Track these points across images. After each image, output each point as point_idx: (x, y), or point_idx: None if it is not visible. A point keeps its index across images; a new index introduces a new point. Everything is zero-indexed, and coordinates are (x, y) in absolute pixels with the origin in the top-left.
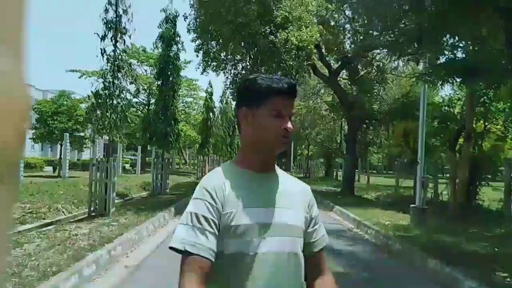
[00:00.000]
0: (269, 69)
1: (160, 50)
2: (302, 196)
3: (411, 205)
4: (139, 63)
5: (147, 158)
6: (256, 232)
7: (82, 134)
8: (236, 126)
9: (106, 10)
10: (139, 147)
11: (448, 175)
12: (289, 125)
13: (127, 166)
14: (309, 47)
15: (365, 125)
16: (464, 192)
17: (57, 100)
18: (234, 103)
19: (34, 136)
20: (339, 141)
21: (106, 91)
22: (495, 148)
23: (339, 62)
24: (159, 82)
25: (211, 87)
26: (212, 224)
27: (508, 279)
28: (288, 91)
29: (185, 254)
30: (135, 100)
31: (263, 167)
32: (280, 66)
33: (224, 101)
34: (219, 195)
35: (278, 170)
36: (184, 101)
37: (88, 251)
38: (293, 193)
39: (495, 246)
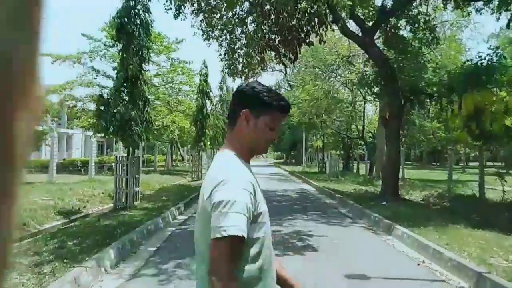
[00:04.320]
0: (283, 20)
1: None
2: None
3: None
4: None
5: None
6: (268, 216)
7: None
8: (229, 117)
9: None
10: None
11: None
12: (275, 136)
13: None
14: None
15: (409, 103)
16: None
17: None
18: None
19: None
20: (361, 128)
21: None
22: None
23: (374, 19)
24: (119, 46)
25: (205, 67)
26: (250, 213)
27: None
28: (287, 111)
29: (235, 239)
30: None
31: (249, 159)
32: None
33: (224, 88)
34: (255, 188)
35: None
36: (180, 89)
37: None
38: None
39: None
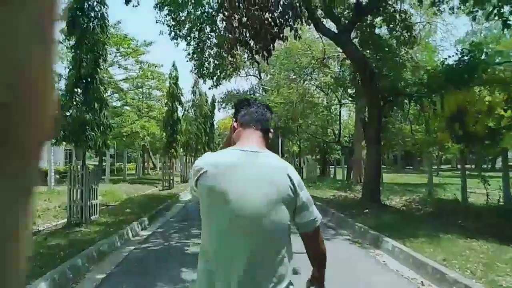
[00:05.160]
0: (254, 12)
1: None
2: None
3: None
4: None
5: (109, 163)
6: None
7: None
8: (265, 126)
9: None
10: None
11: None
12: None
13: None
14: None
15: (387, 104)
16: None
17: None
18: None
19: None
20: (337, 132)
21: None
22: None
23: (349, 19)
24: (71, 42)
25: (175, 70)
26: None
27: None
28: None
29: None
30: None
31: None
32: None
33: (197, 92)
34: None
35: None
36: (151, 94)
37: None
38: None
39: None
